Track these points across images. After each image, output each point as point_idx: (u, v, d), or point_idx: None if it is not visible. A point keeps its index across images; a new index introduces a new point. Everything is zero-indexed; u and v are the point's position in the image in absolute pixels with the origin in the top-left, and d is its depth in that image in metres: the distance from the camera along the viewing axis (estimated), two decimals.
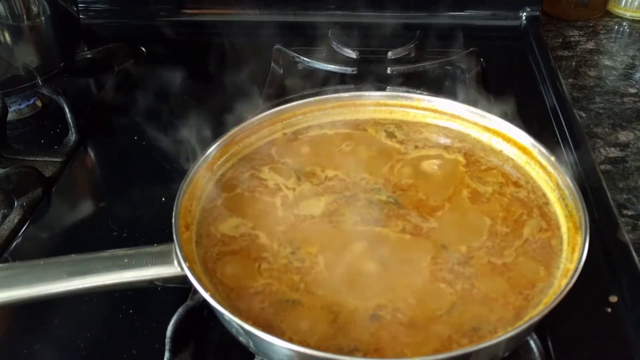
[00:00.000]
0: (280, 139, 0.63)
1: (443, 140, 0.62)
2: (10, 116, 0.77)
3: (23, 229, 0.62)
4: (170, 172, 0.60)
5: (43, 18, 0.76)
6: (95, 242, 0.60)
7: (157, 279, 0.47)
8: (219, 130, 0.61)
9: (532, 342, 0.46)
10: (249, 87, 0.72)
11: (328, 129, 0.64)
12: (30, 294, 0.46)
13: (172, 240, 0.47)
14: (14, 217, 0.63)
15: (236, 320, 0.41)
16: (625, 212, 0.63)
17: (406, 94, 0.65)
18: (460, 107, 0.63)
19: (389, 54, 0.86)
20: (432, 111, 0.64)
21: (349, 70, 0.83)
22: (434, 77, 0.82)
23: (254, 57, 0.84)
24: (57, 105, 0.77)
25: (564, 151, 0.68)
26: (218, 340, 0.49)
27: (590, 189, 0.61)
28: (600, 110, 0.79)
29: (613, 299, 0.51)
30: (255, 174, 0.58)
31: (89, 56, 0.91)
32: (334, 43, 0.90)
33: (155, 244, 0.48)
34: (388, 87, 0.79)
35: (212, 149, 0.57)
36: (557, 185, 0.54)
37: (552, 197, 0.54)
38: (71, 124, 0.74)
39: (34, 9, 0.75)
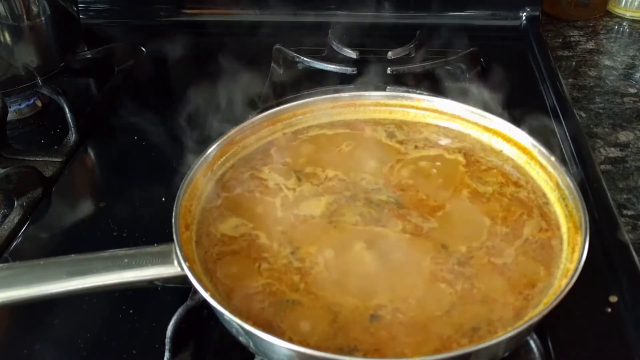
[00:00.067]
0: (280, 139, 0.63)
1: (443, 140, 0.62)
2: (10, 116, 0.77)
3: (23, 229, 0.62)
4: (170, 172, 0.60)
5: (43, 18, 0.76)
6: (95, 242, 0.60)
7: (157, 279, 0.47)
8: (218, 130, 0.61)
9: (532, 342, 0.46)
10: (249, 87, 0.72)
11: (328, 129, 0.64)
12: (30, 294, 0.46)
13: (172, 240, 0.47)
14: (14, 217, 0.63)
15: (236, 320, 0.41)
16: (625, 212, 0.63)
17: (406, 94, 0.65)
18: (460, 107, 0.63)
19: (389, 54, 0.86)
20: (432, 111, 0.64)
21: (349, 70, 0.83)
22: (434, 77, 0.82)
23: (254, 57, 0.84)
24: (57, 105, 0.77)
25: (564, 151, 0.68)
26: (218, 340, 0.49)
27: (590, 189, 0.61)
28: (600, 110, 0.79)
29: (613, 299, 0.51)
30: (255, 174, 0.58)
31: (89, 56, 0.91)
32: (334, 43, 0.90)
33: (155, 244, 0.48)
34: (388, 87, 0.79)
35: (212, 149, 0.57)
36: (557, 185, 0.54)
37: (552, 197, 0.54)
38: (71, 124, 0.74)
39: (34, 9, 0.75)
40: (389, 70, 0.82)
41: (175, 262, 0.46)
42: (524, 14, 0.96)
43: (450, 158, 0.60)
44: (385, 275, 0.48)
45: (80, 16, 0.87)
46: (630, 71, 0.89)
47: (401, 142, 0.62)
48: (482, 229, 0.51)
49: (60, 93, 0.77)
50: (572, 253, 0.48)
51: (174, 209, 0.50)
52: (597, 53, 0.94)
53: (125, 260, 0.47)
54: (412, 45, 0.88)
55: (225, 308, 0.42)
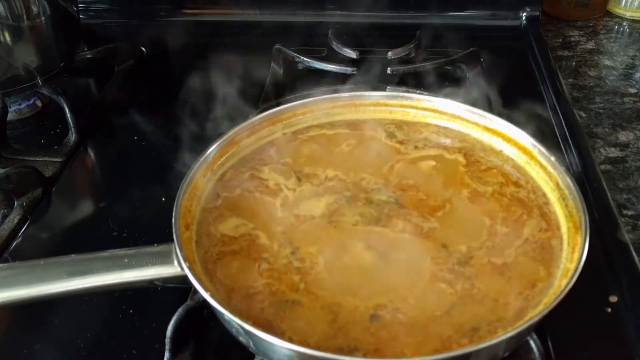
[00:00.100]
0: (280, 139, 0.63)
1: (443, 140, 0.62)
2: (10, 116, 0.77)
3: (23, 229, 0.62)
4: (170, 172, 0.60)
5: (43, 18, 0.76)
6: (95, 242, 0.60)
7: (157, 279, 0.47)
8: (218, 130, 0.61)
9: (532, 342, 0.46)
10: (249, 87, 0.72)
11: (328, 129, 0.64)
12: (30, 294, 0.46)
13: (172, 240, 0.47)
14: (14, 217, 0.63)
15: (236, 320, 0.41)
16: (625, 212, 0.63)
17: (406, 94, 0.65)
18: (460, 107, 0.63)
19: (389, 54, 0.86)
20: (432, 111, 0.64)
21: (349, 70, 0.82)
22: (434, 77, 0.82)
23: (254, 57, 0.84)
24: (57, 105, 0.77)
25: (564, 151, 0.68)
26: (218, 340, 0.49)
27: (590, 189, 0.61)
28: (600, 110, 0.79)
29: (613, 299, 0.51)
30: (255, 174, 0.58)
31: (89, 56, 0.91)
32: (334, 43, 0.90)
33: (155, 244, 0.48)
34: (388, 87, 0.79)
35: (212, 149, 0.57)
36: (557, 185, 0.54)
37: (552, 197, 0.54)
38: (71, 124, 0.74)
39: (34, 9, 0.75)
40: (389, 70, 0.82)
41: (175, 262, 0.46)
42: (524, 14, 0.96)
43: (450, 158, 0.60)
44: (385, 275, 0.48)
45: (80, 16, 0.87)
46: (630, 71, 0.89)
47: (401, 142, 0.62)
48: (482, 229, 0.51)
49: (60, 93, 0.77)
50: (572, 253, 0.48)
51: (174, 209, 0.50)
52: (597, 53, 0.94)
53: (125, 260, 0.47)
54: (412, 45, 0.88)
55: (225, 308, 0.42)
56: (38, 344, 0.50)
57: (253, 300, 0.46)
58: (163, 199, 0.61)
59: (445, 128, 0.63)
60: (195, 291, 0.47)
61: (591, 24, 1.02)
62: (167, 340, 0.46)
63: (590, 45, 0.96)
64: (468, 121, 0.62)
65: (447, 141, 0.62)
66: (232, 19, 0.99)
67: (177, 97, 0.79)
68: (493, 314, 0.44)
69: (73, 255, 0.48)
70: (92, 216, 0.64)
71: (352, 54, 0.87)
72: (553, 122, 0.73)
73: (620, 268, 0.54)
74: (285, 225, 0.52)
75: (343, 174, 0.58)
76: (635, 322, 0.49)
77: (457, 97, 0.66)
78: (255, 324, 0.42)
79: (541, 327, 0.47)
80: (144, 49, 0.93)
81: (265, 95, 0.78)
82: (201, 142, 0.59)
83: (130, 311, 0.52)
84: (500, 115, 0.61)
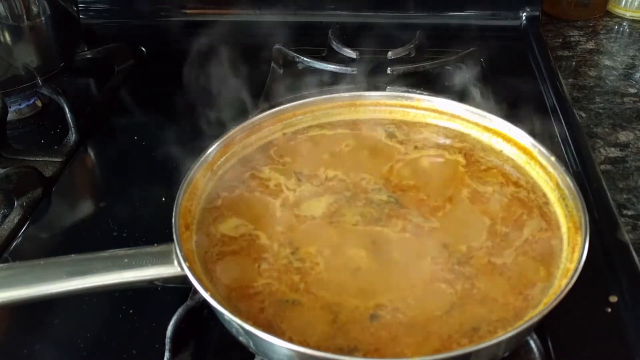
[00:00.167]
0: (280, 139, 0.63)
1: (443, 140, 0.62)
2: (10, 116, 0.77)
3: (23, 229, 0.62)
4: (170, 172, 0.60)
5: (43, 18, 0.76)
6: (95, 242, 0.60)
7: (157, 279, 0.47)
8: (218, 129, 0.61)
9: (532, 342, 0.46)
10: (249, 87, 0.72)
11: (328, 129, 0.64)
12: (30, 294, 0.46)
13: (172, 240, 0.47)
14: (14, 217, 0.63)
15: (236, 320, 0.41)
16: (625, 212, 0.63)
17: (406, 94, 0.65)
18: (460, 107, 0.63)
19: (389, 54, 0.86)
20: (432, 111, 0.64)
21: (349, 70, 0.82)
22: (434, 77, 0.82)
23: (254, 57, 0.84)
24: (57, 105, 0.77)
25: (564, 151, 0.68)
26: (218, 340, 0.49)
27: (590, 189, 0.61)
28: (600, 110, 0.79)
29: (613, 299, 0.51)
30: (255, 174, 0.58)
31: (89, 56, 0.91)
32: (334, 43, 0.90)
33: (155, 244, 0.48)
34: (388, 87, 0.79)
35: (212, 149, 0.57)
36: (557, 185, 0.54)
37: (552, 197, 0.54)
38: (71, 124, 0.74)
39: (34, 9, 0.75)
40: (389, 70, 0.82)
41: (175, 262, 0.46)
42: (524, 14, 0.96)
43: (450, 158, 0.60)
44: (385, 275, 0.48)
45: (80, 16, 0.87)
46: (630, 71, 0.89)
47: (401, 142, 0.62)
48: (482, 229, 0.51)
49: (60, 93, 0.77)
50: (572, 253, 0.48)
51: (174, 209, 0.50)
52: (597, 53, 0.94)
53: (125, 260, 0.47)
54: (412, 45, 0.88)
55: (225, 308, 0.42)
56: (38, 344, 0.50)
57: (253, 300, 0.46)
58: (163, 199, 0.61)
59: (445, 128, 0.63)
60: (195, 291, 0.47)
61: (591, 24, 1.02)
62: (167, 340, 0.46)
63: (590, 45, 0.96)
64: (468, 121, 0.62)
65: (447, 141, 0.62)
66: (232, 19, 0.99)
67: (177, 97, 0.79)
68: (493, 314, 0.44)
69: (73, 255, 0.48)
70: (92, 216, 0.64)
71: (352, 54, 0.87)
72: (553, 122, 0.73)
73: (620, 268, 0.54)
74: (285, 226, 0.52)
75: (343, 174, 0.58)
76: (635, 322, 0.49)
77: (457, 97, 0.66)
78: (255, 324, 0.42)
79: (541, 327, 0.47)
80: (144, 49, 0.93)
81: (265, 95, 0.78)
82: (201, 142, 0.59)
83: (130, 311, 0.52)
84: (500, 115, 0.61)
